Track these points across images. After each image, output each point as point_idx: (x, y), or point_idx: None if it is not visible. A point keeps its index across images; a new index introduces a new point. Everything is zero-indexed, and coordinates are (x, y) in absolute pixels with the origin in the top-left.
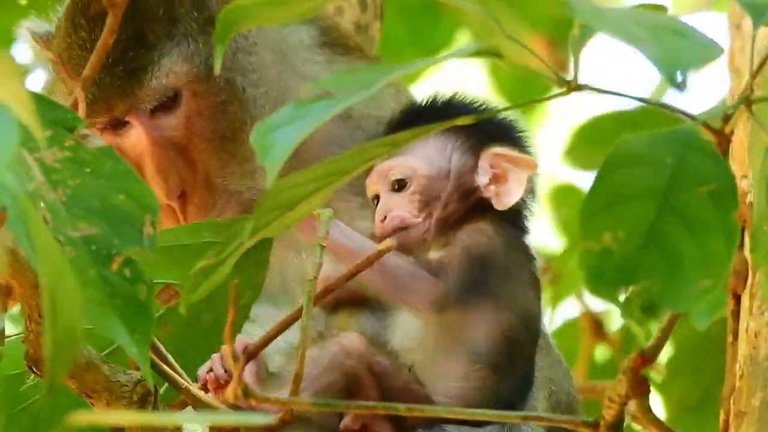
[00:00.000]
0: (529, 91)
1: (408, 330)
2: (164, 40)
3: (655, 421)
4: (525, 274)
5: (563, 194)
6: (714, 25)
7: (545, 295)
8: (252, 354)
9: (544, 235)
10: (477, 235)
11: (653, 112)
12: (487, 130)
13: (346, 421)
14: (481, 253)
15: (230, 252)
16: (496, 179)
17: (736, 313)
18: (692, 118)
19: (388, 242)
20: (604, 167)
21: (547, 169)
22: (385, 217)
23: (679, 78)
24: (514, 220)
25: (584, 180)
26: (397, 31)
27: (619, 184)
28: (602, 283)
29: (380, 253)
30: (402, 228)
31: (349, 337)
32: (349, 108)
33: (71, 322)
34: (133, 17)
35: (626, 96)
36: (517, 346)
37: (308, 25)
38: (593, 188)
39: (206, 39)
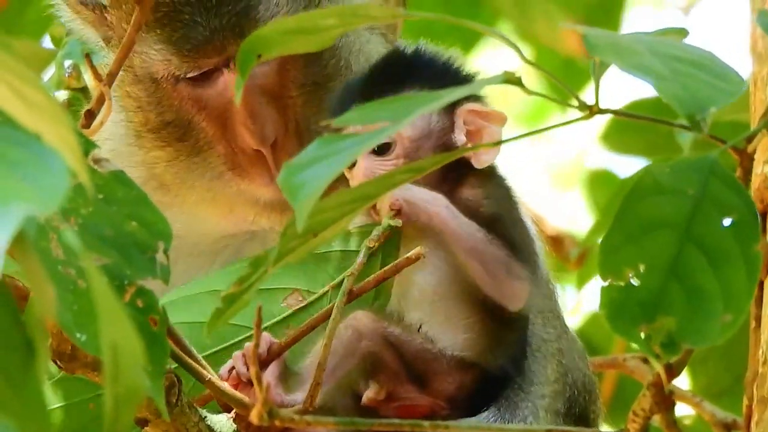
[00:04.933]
0: (570, 74)
1: (410, 291)
2: None
3: None
4: (520, 217)
5: (598, 180)
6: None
7: (573, 276)
8: (276, 354)
9: (580, 220)
10: (482, 203)
11: None
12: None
13: (370, 393)
14: (501, 218)
15: (255, 279)
16: (471, 137)
17: (759, 299)
18: (719, 141)
19: (418, 251)
20: (627, 200)
21: (583, 154)
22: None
23: (699, 117)
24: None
25: (619, 165)
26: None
27: (641, 216)
28: (623, 319)
29: (408, 261)
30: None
31: (358, 317)
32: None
33: (133, 380)
34: None
35: (649, 119)
36: None
37: None
38: (615, 221)
39: None
